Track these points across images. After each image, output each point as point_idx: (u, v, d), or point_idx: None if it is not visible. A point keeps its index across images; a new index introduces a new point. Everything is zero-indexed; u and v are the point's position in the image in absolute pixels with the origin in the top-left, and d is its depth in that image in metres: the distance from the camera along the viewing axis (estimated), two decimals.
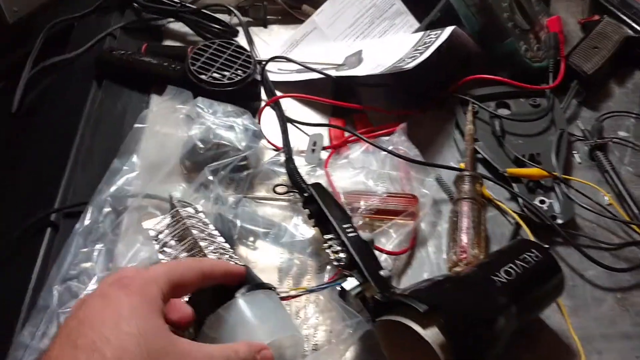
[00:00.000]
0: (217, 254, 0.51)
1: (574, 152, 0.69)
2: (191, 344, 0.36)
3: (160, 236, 0.55)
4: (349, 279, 0.50)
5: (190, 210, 0.57)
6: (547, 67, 0.73)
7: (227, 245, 0.54)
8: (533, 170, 0.63)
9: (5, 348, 0.50)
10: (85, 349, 0.31)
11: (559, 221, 0.60)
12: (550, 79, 0.73)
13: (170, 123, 0.65)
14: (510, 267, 0.48)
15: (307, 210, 0.58)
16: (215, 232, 0.56)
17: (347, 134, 0.69)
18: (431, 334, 0.42)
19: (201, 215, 0.58)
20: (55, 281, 0.53)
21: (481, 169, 0.67)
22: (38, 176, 0.67)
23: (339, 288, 0.50)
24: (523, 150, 0.67)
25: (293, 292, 0.51)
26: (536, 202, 0.61)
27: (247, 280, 0.45)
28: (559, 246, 0.60)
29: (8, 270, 0.58)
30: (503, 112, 0.72)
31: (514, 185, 0.63)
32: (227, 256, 0.52)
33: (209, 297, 0.44)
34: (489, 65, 0.75)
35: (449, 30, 0.69)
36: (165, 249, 0.54)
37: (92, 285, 0.54)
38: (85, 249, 0.56)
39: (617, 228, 0.61)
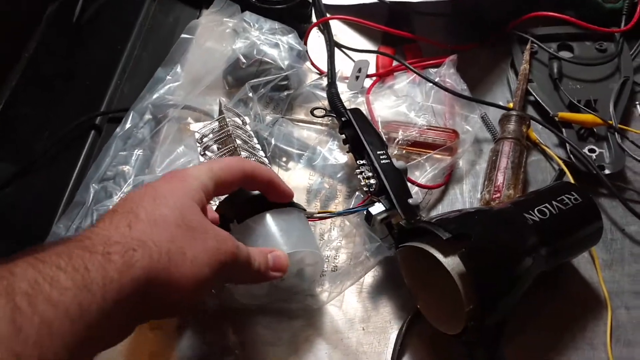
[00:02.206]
0: None
1: (636, 102, 0.64)
2: (223, 231, 0.38)
3: (205, 139, 0.56)
4: (376, 204, 0.50)
5: (237, 120, 0.58)
6: (621, 9, 0.67)
7: (266, 161, 0.55)
8: (586, 116, 0.59)
9: (43, 237, 0.52)
10: (121, 212, 0.33)
11: (607, 172, 0.56)
12: (622, 21, 0.67)
13: (216, 36, 0.65)
14: (546, 207, 0.46)
15: (343, 136, 0.57)
16: (258, 146, 0.56)
17: (395, 64, 0.67)
18: (451, 262, 0.41)
19: (247, 127, 0.58)
20: (93, 180, 0.55)
21: (531, 112, 0.63)
22: (89, 82, 0.69)
23: (365, 212, 0.50)
24: (580, 95, 0.62)
25: (320, 214, 0.51)
26: (585, 150, 0.58)
27: None
28: (603, 197, 0.57)
29: (52, 167, 0.61)
30: (565, 54, 0.67)
31: (563, 130, 0.60)
32: None
33: (241, 204, 0.45)
34: (555, 2, 0.70)
35: None
36: (207, 152, 0.54)
37: (126, 187, 0.55)
38: (123, 153, 0.58)
39: None
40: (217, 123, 0.57)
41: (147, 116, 0.60)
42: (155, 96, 0.61)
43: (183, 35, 0.65)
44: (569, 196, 0.48)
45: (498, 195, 0.53)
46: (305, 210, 0.49)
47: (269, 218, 0.45)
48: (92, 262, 0.29)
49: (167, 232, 0.33)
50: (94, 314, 0.27)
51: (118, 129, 0.59)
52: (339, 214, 0.52)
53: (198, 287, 0.33)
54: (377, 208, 0.49)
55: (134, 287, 0.30)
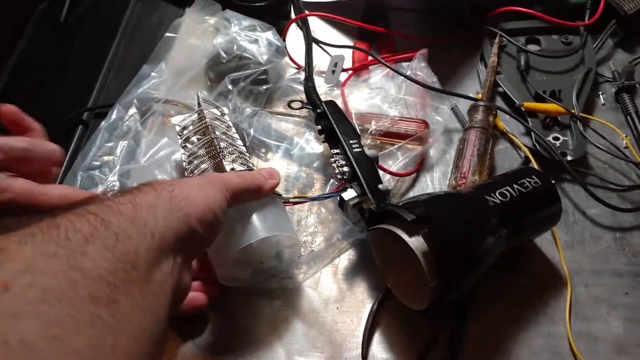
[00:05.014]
0: (234, 156, 0.54)
1: (599, 93, 0.67)
2: None
3: (185, 131, 0.58)
4: (348, 190, 0.53)
5: (216, 111, 0.60)
6: (585, 4, 0.70)
7: (244, 149, 0.57)
8: (550, 106, 0.63)
9: None
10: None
11: (569, 158, 0.59)
12: (586, 16, 0.70)
13: (199, 34, 0.67)
14: (507, 190, 0.49)
15: (319, 127, 0.59)
16: (236, 136, 0.58)
17: (370, 59, 0.69)
18: (415, 242, 0.44)
19: (226, 118, 0.60)
20: (80, 168, 0.58)
21: (500, 102, 0.66)
22: (76, 80, 0.72)
23: (338, 198, 0.53)
24: (546, 86, 0.65)
25: (295, 199, 0.54)
26: (549, 138, 0.61)
27: None
28: (565, 183, 0.60)
29: None
30: (532, 47, 0.70)
31: (529, 120, 0.63)
32: (243, 159, 0.54)
33: None
34: None
35: None
36: (187, 144, 0.57)
37: (111, 177, 0.58)
38: (109, 144, 0.60)
39: (629, 171, 0.61)
40: (196, 115, 0.59)
41: (132, 110, 0.63)
42: (140, 90, 0.64)
43: (167, 34, 0.68)
44: (530, 179, 0.51)
45: (464, 181, 0.56)
46: (281, 195, 0.51)
47: (245, 205, 0.47)
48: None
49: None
50: None
51: (104, 122, 0.62)
52: (312, 199, 0.55)
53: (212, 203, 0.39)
54: (349, 194, 0.52)
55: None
